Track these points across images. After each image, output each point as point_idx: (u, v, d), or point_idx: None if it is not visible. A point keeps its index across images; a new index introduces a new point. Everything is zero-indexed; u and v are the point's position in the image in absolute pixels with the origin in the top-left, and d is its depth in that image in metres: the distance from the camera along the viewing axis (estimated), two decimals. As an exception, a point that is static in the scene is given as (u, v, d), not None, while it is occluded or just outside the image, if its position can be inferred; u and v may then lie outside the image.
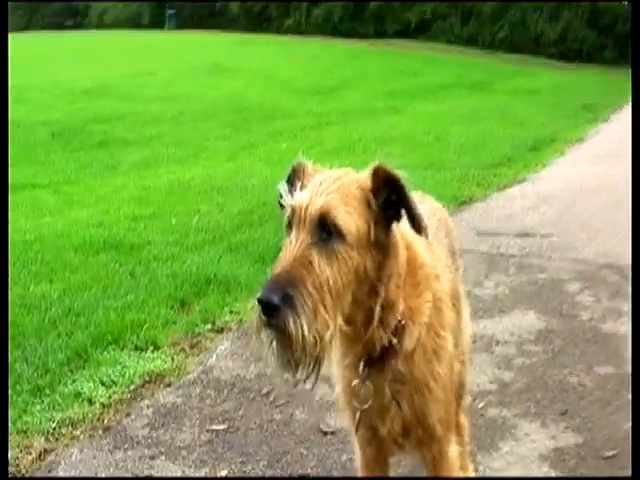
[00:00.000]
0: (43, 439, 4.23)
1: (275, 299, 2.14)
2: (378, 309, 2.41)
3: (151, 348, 5.39)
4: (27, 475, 3.92)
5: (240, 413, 4.51)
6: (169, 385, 4.89)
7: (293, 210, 2.29)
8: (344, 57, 42.29)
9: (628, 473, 3.83)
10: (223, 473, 3.89)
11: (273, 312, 2.16)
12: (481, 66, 40.82)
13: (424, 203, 3.13)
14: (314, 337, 2.19)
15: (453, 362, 2.73)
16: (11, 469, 3.94)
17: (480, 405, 4.59)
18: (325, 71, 33.35)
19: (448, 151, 14.48)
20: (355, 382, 2.58)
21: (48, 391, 4.74)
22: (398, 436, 2.67)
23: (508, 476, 3.27)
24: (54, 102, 22.16)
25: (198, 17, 67.83)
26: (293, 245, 2.25)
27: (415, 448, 2.77)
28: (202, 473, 3.91)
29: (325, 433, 4.24)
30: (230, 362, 5.21)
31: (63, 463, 4.02)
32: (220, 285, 6.63)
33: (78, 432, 4.32)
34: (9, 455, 4.00)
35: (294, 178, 2.42)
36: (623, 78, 39.23)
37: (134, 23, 70.74)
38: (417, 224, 2.32)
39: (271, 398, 4.67)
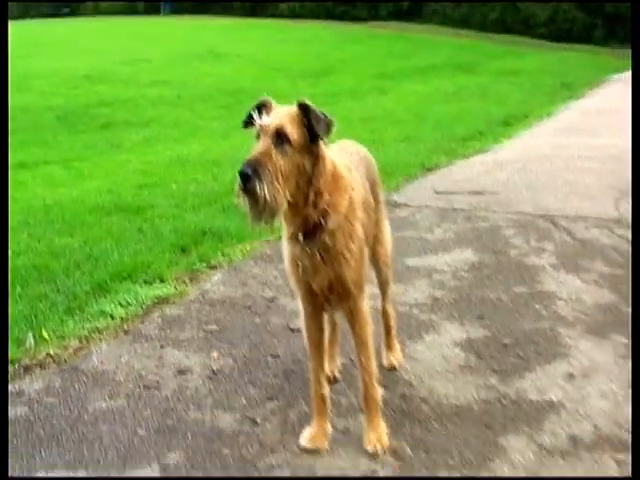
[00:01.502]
0: (77, 341, 5.51)
1: (248, 171, 3.43)
2: (312, 195, 3.75)
3: (158, 281, 6.65)
4: (70, 363, 5.20)
5: (228, 319, 5.83)
6: (174, 303, 6.20)
7: (261, 127, 3.62)
8: (337, 41, 43.18)
9: (518, 356, 5.15)
10: (214, 355, 5.22)
11: (246, 180, 3.45)
12: (471, 48, 41.75)
13: (352, 146, 4.54)
14: (270, 197, 3.48)
15: (362, 244, 4.05)
16: (54, 362, 5.23)
17: (415, 312, 5.91)
18: (317, 55, 34.38)
19: (425, 127, 15.71)
20: (296, 248, 3.93)
21: (78, 311, 6.00)
22: (325, 290, 4.00)
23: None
24: (56, 89, 23.25)
25: (193, 3, 68.54)
26: (260, 145, 3.57)
27: (337, 302, 4.09)
28: (200, 356, 5.22)
29: (292, 330, 5.53)
30: (222, 287, 6.54)
31: (95, 353, 5.32)
32: (214, 236, 7.88)
33: (104, 335, 5.62)
34: (52, 351, 5.32)
35: (261, 108, 3.75)
36: (609, 57, 40.44)
37: (130, 9, 71.48)
38: (315, 129, 3.65)
39: (253, 309, 6.01)
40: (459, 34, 51.71)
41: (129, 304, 6.16)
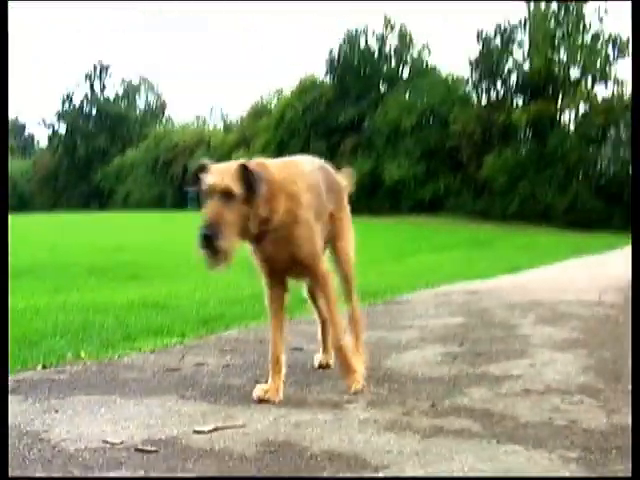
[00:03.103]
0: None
1: (209, 233, 4.33)
2: (253, 223, 4.61)
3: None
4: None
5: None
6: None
7: (209, 187, 4.47)
8: (356, 230, 44.82)
9: (489, 358, 5.96)
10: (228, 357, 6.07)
11: (207, 239, 4.32)
12: (489, 231, 43.45)
13: (310, 160, 5.40)
14: (224, 248, 4.38)
15: (310, 224, 4.88)
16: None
17: (403, 343, 6.76)
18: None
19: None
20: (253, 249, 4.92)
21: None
22: (286, 266, 4.96)
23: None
24: (83, 254, 24.49)
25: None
26: (212, 206, 4.42)
27: (298, 272, 5.07)
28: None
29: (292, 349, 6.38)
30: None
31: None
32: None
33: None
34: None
35: (202, 169, 4.61)
36: (624, 237, 41.88)
37: (157, 204, 74.06)
38: (254, 185, 4.50)
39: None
40: (479, 224, 52.93)
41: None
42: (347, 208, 5.69)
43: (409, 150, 64.70)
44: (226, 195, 4.43)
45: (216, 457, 3.61)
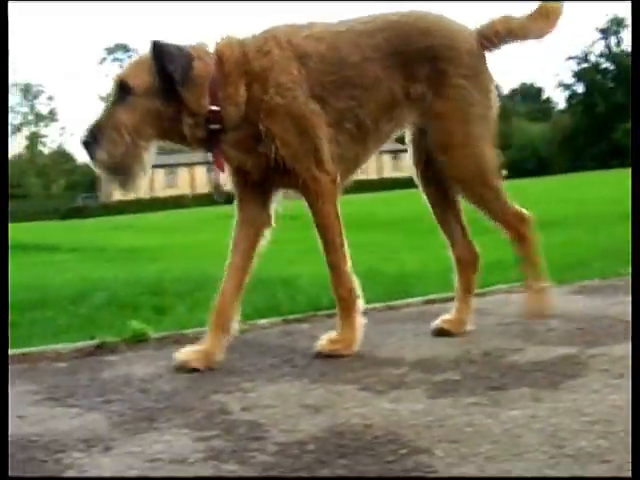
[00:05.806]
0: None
1: (86, 138, 3.30)
2: (188, 119, 3.39)
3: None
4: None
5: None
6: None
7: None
8: None
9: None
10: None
11: (87, 147, 3.32)
12: None
13: (366, 19, 3.73)
14: (113, 158, 3.29)
15: (301, 115, 3.45)
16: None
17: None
18: None
19: None
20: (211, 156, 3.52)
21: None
22: (262, 175, 3.51)
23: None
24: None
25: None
26: (106, 106, 3.41)
27: (284, 183, 3.59)
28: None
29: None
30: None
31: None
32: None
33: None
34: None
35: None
36: None
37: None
38: (169, 71, 3.30)
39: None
40: None
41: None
42: (463, 91, 3.65)
43: None
44: (122, 89, 3.35)
45: None
